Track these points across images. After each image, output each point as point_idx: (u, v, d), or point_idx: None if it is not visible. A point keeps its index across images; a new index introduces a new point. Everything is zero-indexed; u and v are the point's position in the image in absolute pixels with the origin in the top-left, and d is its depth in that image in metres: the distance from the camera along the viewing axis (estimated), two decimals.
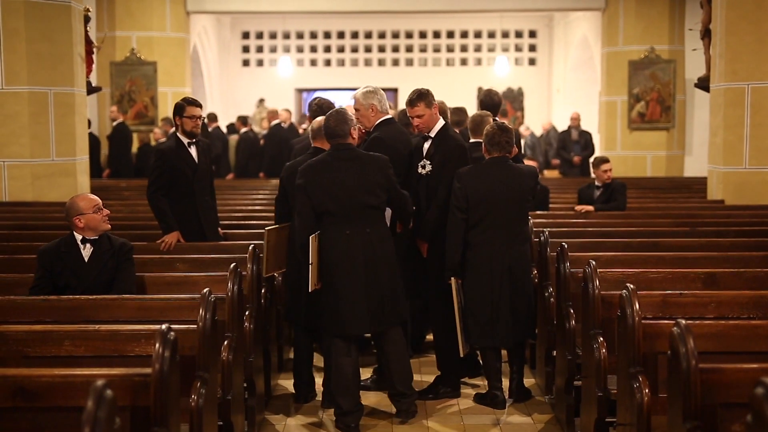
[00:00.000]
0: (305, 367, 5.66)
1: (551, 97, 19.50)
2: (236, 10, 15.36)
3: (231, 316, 4.57)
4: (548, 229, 6.28)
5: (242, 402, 4.78)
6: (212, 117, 13.97)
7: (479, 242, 5.40)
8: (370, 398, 5.59)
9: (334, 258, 4.98)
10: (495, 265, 5.38)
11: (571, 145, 13.76)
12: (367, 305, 4.99)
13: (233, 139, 14.40)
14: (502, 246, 5.40)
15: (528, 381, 5.91)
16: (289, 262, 5.61)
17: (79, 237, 4.80)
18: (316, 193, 4.96)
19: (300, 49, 19.82)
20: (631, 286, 3.99)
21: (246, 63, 19.89)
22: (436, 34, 19.72)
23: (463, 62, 19.76)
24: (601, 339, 4.43)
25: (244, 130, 14.33)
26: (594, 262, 4.67)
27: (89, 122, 10.06)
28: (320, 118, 5.54)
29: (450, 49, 19.77)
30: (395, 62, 19.82)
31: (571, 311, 5.10)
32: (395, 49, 19.83)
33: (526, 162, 8.62)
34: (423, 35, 19.75)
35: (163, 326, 3.30)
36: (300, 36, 19.76)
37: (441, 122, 5.64)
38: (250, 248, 5.36)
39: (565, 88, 18.26)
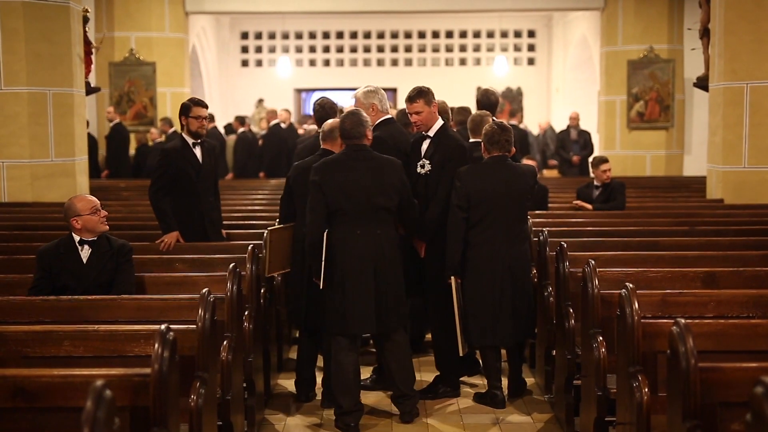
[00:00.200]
0: (308, 366, 5.65)
1: (550, 96, 19.51)
2: (235, 10, 15.36)
3: (230, 316, 4.57)
4: (547, 228, 6.28)
5: (242, 402, 4.78)
6: (209, 117, 13.95)
7: (480, 241, 5.40)
8: (369, 398, 5.59)
9: (344, 257, 5.00)
10: (496, 264, 5.38)
11: (570, 145, 13.76)
12: (374, 305, 5.01)
13: (231, 139, 14.40)
14: (502, 245, 5.40)
15: (528, 380, 5.92)
16: (292, 263, 5.60)
17: (77, 238, 4.80)
18: (330, 191, 4.98)
19: (299, 50, 19.82)
20: (631, 285, 3.99)
21: (245, 63, 19.89)
22: (435, 34, 19.72)
23: (462, 62, 19.76)
24: (601, 338, 4.43)
25: (241, 130, 14.32)
26: (593, 262, 4.67)
27: (87, 123, 10.05)
28: (331, 121, 5.55)
29: (449, 49, 19.78)
30: (394, 62, 19.83)
31: (571, 310, 5.10)
32: (394, 49, 19.83)
33: (526, 161, 8.63)
34: (422, 35, 19.75)
35: (163, 326, 3.30)
36: (299, 36, 19.76)
37: (440, 122, 5.64)
38: (250, 248, 5.36)
39: (564, 88, 18.26)
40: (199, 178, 6.04)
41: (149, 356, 3.23)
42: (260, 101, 18.42)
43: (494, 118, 6.40)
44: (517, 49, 19.78)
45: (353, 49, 19.87)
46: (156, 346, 3.21)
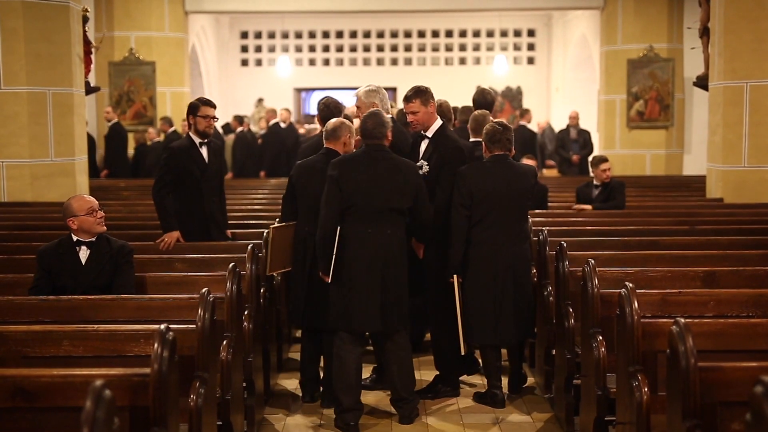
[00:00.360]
0: (311, 367, 5.64)
1: (550, 95, 19.50)
2: (235, 9, 15.36)
3: (230, 316, 4.57)
4: (547, 227, 6.28)
5: (241, 402, 4.78)
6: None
7: (481, 240, 5.41)
8: (369, 398, 5.59)
9: (354, 254, 5.02)
10: (497, 263, 5.39)
11: (570, 144, 13.76)
12: (380, 304, 5.03)
13: (229, 138, 14.40)
14: (504, 244, 5.41)
15: (528, 380, 5.92)
16: (293, 262, 5.60)
17: (76, 239, 4.78)
18: (347, 187, 5.02)
19: (299, 49, 19.82)
20: (630, 284, 3.99)
21: (245, 63, 19.88)
22: (435, 34, 19.72)
23: (462, 61, 19.76)
24: (601, 338, 4.43)
25: (240, 129, 14.32)
26: (593, 261, 4.67)
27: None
28: (334, 120, 5.56)
29: (449, 49, 19.77)
30: (394, 61, 19.82)
31: (570, 310, 5.10)
32: (394, 48, 19.83)
33: (525, 161, 8.63)
34: (422, 34, 19.75)
35: (162, 326, 3.30)
36: (299, 35, 19.75)
37: (439, 122, 5.63)
38: (249, 248, 5.36)
39: (564, 87, 18.26)
40: (204, 177, 6.04)
41: (149, 356, 3.23)
42: (260, 101, 18.41)
43: (491, 117, 6.41)
44: (516, 48, 19.78)
45: (353, 49, 19.86)
46: (155, 345, 3.21)
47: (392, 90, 18.56)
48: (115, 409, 2.63)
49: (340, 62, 19.87)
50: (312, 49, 19.84)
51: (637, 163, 13.77)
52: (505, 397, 5.56)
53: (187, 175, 6.00)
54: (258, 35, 19.80)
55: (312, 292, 5.38)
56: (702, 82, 9.42)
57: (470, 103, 7.05)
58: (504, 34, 19.65)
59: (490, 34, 19.67)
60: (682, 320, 3.35)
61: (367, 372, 5.85)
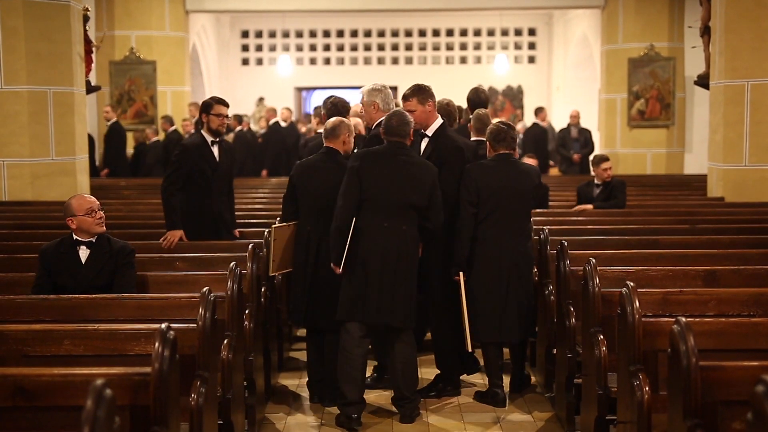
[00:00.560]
0: (318, 367, 5.62)
1: (551, 94, 19.49)
2: (235, 8, 15.35)
3: (231, 315, 4.57)
4: (548, 227, 6.28)
5: (242, 401, 4.78)
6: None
7: (487, 237, 5.43)
8: (370, 397, 5.59)
9: (369, 246, 5.04)
10: (503, 260, 5.41)
11: (571, 143, 13.75)
12: (391, 298, 5.05)
13: (229, 137, 14.38)
14: (509, 242, 5.43)
15: (531, 381, 5.92)
16: (294, 262, 5.58)
17: (76, 238, 4.78)
18: (367, 179, 5.06)
19: (299, 48, 19.81)
20: (631, 283, 3.99)
21: (245, 62, 19.87)
22: (436, 33, 19.70)
23: (463, 60, 19.75)
24: (601, 337, 4.43)
25: (239, 128, 14.31)
26: (594, 260, 4.67)
27: None
28: (333, 119, 5.57)
29: (449, 48, 19.76)
30: (395, 60, 19.81)
31: (571, 309, 5.10)
32: (395, 47, 19.81)
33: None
34: (422, 33, 19.73)
35: (163, 325, 3.29)
36: (299, 35, 19.74)
37: (439, 121, 5.63)
38: (250, 247, 5.36)
39: (565, 86, 18.25)
40: (214, 176, 6.05)
41: (149, 355, 3.23)
42: (261, 100, 18.41)
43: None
44: (517, 47, 19.76)
45: (354, 48, 19.85)
46: (156, 345, 3.20)
47: (393, 89, 18.45)
48: (115, 409, 2.63)
49: (340, 61, 19.86)
50: (313, 48, 19.83)
51: (637, 162, 13.76)
52: (506, 396, 5.56)
53: (197, 173, 6.01)
54: (259, 34, 19.79)
55: (315, 291, 5.37)
56: (703, 81, 9.41)
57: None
58: (505, 33, 19.64)
59: (490, 33, 19.65)
60: (683, 319, 3.34)
61: (367, 371, 5.85)
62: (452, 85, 17.38)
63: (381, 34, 19.79)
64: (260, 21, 19.43)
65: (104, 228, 4.82)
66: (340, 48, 19.85)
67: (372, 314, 5.05)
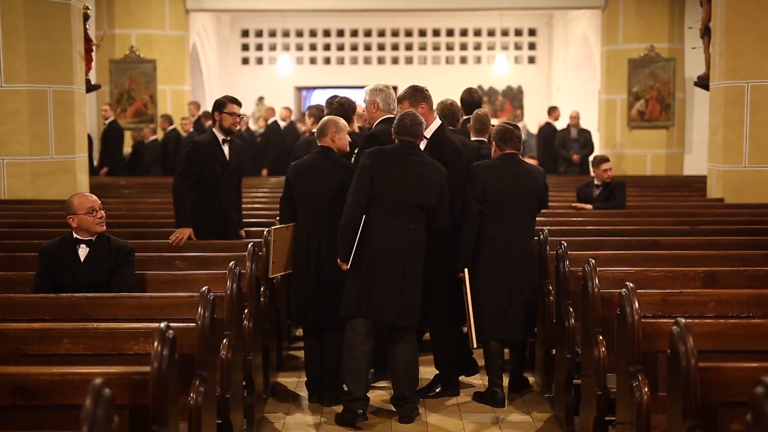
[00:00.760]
0: (317, 367, 5.62)
1: (551, 95, 19.48)
2: (236, 8, 15.35)
3: (230, 315, 4.56)
4: (548, 227, 6.28)
5: (241, 400, 4.77)
6: (207, 115, 13.94)
7: (493, 236, 5.45)
8: (369, 395, 5.58)
9: (377, 244, 5.05)
10: (508, 258, 5.43)
11: (571, 144, 13.76)
12: (398, 297, 5.06)
13: None
14: (513, 240, 5.45)
15: (528, 379, 5.92)
16: (295, 263, 5.57)
17: (76, 236, 4.78)
18: (378, 177, 5.07)
19: (300, 48, 19.80)
20: (631, 284, 3.98)
21: (245, 61, 19.86)
22: (436, 33, 19.69)
23: (463, 60, 19.74)
24: (601, 337, 4.43)
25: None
26: (593, 261, 4.67)
27: None
28: (326, 118, 5.57)
29: (450, 48, 19.75)
30: (395, 60, 19.80)
31: (571, 310, 5.10)
32: (395, 47, 19.81)
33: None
34: (423, 33, 19.72)
35: (162, 324, 3.29)
36: (300, 34, 19.73)
37: (437, 122, 5.63)
38: (249, 246, 5.36)
39: (565, 87, 18.24)
40: (224, 175, 6.05)
41: (149, 354, 3.23)
42: (261, 99, 18.40)
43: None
44: (517, 47, 19.75)
45: (354, 47, 19.84)
46: (155, 344, 3.20)
47: (393, 89, 18.49)
48: (114, 408, 2.62)
49: (340, 61, 19.85)
50: (313, 47, 19.82)
51: (637, 163, 13.76)
52: (505, 397, 5.55)
53: (207, 171, 6.00)
54: (259, 33, 19.78)
55: (318, 290, 5.36)
56: (703, 82, 9.41)
57: None
58: (505, 33, 19.63)
59: (491, 33, 19.64)
60: (683, 320, 3.34)
61: None
62: (452, 85, 17.34)
63: (381, 33, 19.78)
64: (260, 20, 19.42)
65: (105, 227, 4.82)
66: (340, 47, 19.84)
67: (377, 312, 5.06)
